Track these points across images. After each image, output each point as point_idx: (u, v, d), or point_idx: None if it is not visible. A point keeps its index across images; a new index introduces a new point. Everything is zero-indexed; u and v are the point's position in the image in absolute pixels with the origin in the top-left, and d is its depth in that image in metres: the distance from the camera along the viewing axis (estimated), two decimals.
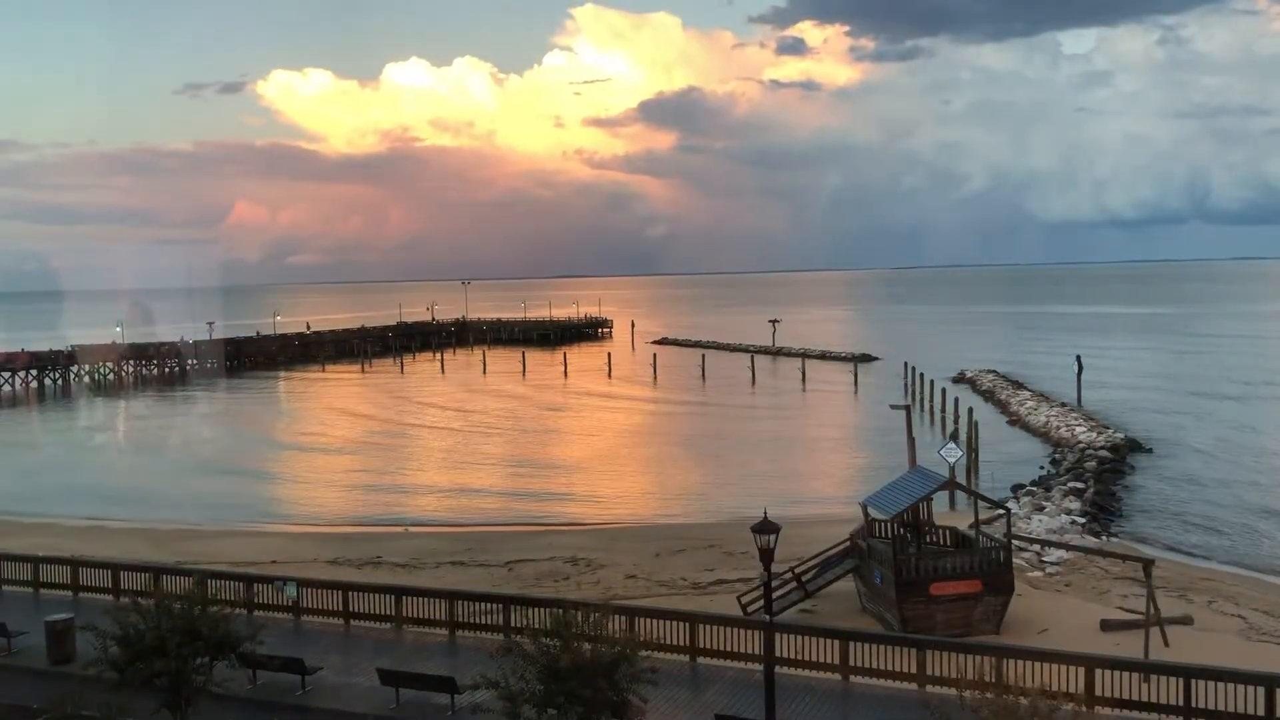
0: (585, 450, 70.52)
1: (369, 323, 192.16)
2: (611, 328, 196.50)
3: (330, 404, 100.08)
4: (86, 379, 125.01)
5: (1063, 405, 77.61)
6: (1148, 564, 28.49)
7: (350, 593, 29.67)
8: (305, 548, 43.30)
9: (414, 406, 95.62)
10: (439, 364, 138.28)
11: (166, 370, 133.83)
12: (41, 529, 47.31)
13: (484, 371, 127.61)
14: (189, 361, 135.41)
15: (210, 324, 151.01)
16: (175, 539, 45.48)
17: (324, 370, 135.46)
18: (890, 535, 30.88)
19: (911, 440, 38.81)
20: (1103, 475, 53.36)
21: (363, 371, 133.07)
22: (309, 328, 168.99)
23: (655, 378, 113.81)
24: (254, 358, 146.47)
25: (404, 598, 29.08)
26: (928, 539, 31.74)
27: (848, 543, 31.96)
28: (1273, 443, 64.88)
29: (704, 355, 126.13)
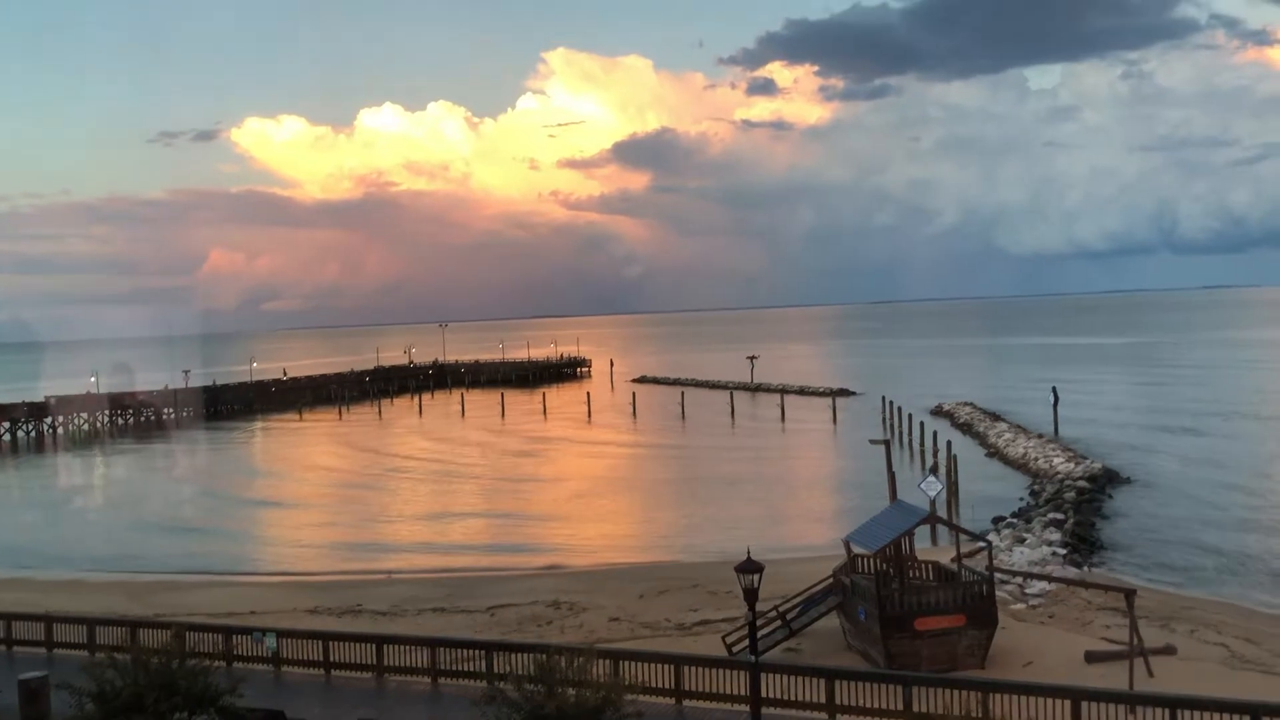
0: (566, 492, 70.24)
1: (347, 367, 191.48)
2: (590, 367, 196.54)
3: (308, 451, 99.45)
4: (61, 431, 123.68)
5: (1040, 437, 77.95)
6: (1130, 594, 28.58)
7: (331, 642, 29.34)
8: (284, 597, 42.82)
9: (392, 451, 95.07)
10: (417, 407, 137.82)
11: (144, 420, 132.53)
12: (14, 585, 46.56)
13: (463, 414, 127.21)
14: (166, 411, 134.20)
15: (186, 372, 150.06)
16: (152, 592, 44.86)
17: (301, 417, 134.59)
18: (873, 571, 30.86)
19: (891, 475, 38.96)
20: (1082, 506, 53.51)
21: (340, 417, 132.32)
22: (285, 373, 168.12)
23: (635, 416, 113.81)
24: (232, 405, 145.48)
25: (385, 646, 28.78)
26: (910, 574, 31.71)
27: (831, 579, 31.89)
28: (1247, 471, 65.37)
29: (683, 393, 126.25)
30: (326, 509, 67.43)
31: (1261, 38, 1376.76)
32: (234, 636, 29.89)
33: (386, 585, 45.14)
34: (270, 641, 29.26)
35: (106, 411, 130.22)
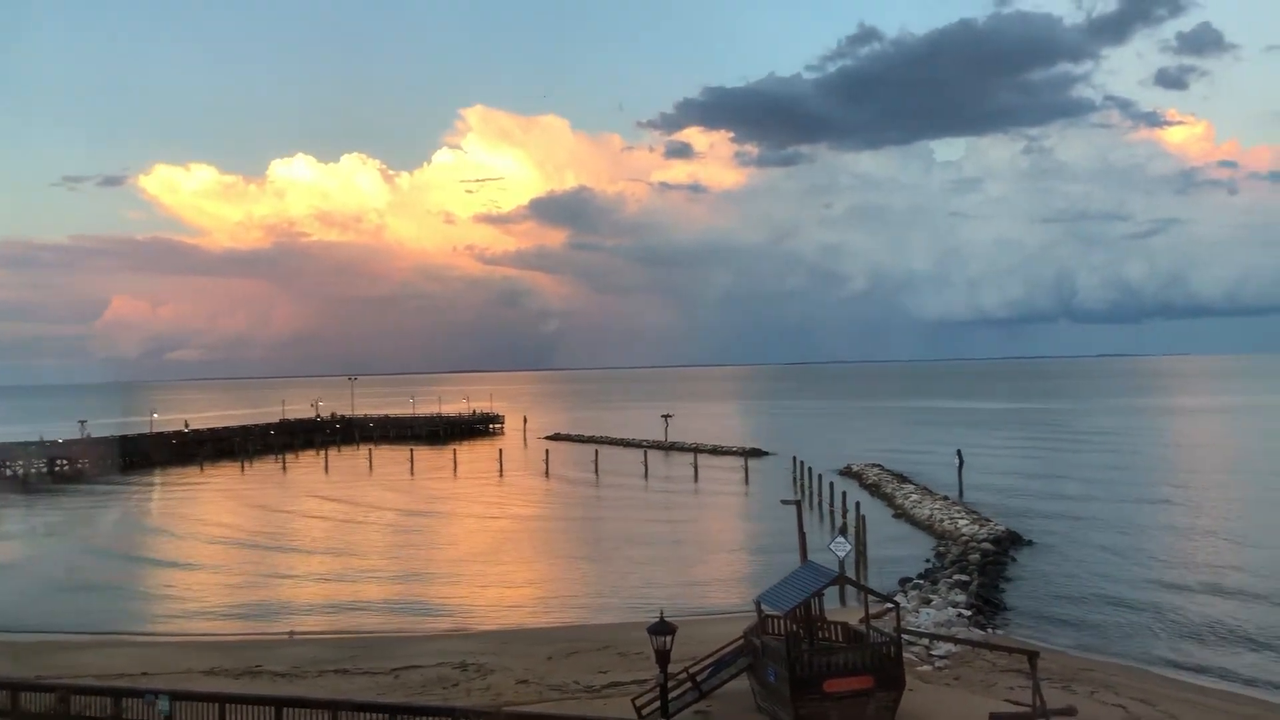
0: (475, 551, 69.21)
1: (251, 420, 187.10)
2: (503, 424, 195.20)
3: (208, 506, 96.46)
4: None
5: (945, 498, 79.39)
6: (1033, 656, 29.09)
7: (227, 705, 28.24)
8: (178, 657, 41.20)
9: (296, 508, 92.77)
10: (323, 463, 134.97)
11: (35, 472, 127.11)
12: None
13: (370, 470, 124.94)
14: (59, 463, 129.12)
15: (83, 423, 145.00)
16: (37, 652, 42.75)
17: (202, 470, 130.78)
18: (784, 632, 30.89)
19: (803, 535, 39.09)
20: (986, 568, 54.48)
21: (243, 471, 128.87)
22: (187, 425, 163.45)
23: (548, 474, 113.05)
24: (130, 458, 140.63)
25: (285, 709, 27.81)
26: (820, 635, 31.83)
27: (742, 640, 31.85)
28: (1140, 536, 67.34)
29: (597, 451, 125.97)
30: (225, 566, 65.32)
31: (1153, 119, 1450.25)
32: (123, 700, 28.60)
33: (287, 645, 43.75)
34: (163, 705, 28.08)
35: None
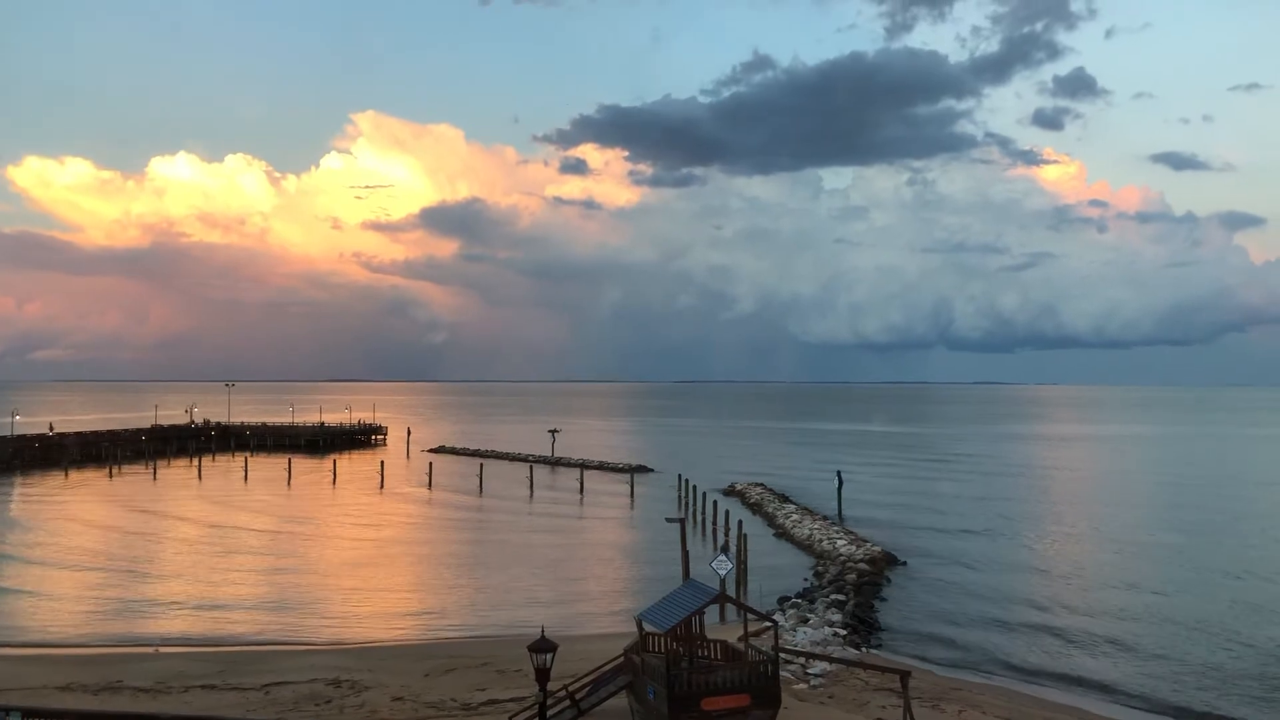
0: (351, 564, 67.72)
1: (122, 425, 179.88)
2: (386, 435, 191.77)
3: (71, 512, 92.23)
4: None
5: (825, 519, 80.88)
6: (904, 675, 29.83)
7: None
8: (32, 672, 39.23)
9: (166, 516, 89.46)
10: (197, 471, 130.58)
11: None
12: None
13: (246, 479, 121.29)
14: None
15: None
16: None
17: (67, 476, 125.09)
18: (664, 650, 31.01)
19: (685, 553, 39.45)
20: (862, 588, 55.65)
21: (111, 478, 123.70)
22: (51, 429, 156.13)
23: (430, 487, 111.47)
24: None
25: None
26: (699, 653, 32.03)
27: (622, 658, 31.85)
28: (1011, 557, 69.71)
29: (482, 464, 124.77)
30: (87, 575, 62.50)
31: (1030, 157, 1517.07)
32: None
33: (151, 659, 42.06)
34: None
35: None
